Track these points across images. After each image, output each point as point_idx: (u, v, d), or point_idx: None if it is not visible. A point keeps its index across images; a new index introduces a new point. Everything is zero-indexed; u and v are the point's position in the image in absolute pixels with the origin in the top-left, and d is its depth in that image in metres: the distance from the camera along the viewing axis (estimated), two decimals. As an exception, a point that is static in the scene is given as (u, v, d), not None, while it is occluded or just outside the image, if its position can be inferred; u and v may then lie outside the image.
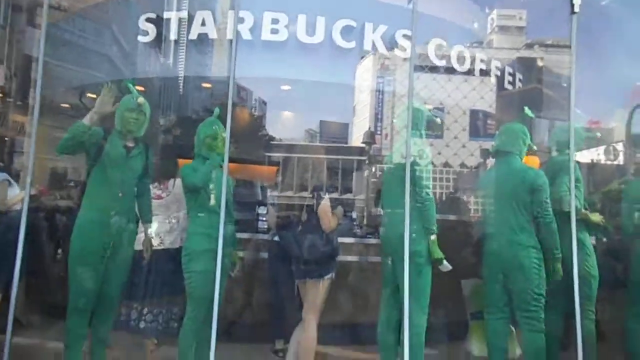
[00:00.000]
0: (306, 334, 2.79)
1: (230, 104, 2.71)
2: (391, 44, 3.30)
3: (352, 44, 3.21)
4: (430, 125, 3.42)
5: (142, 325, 3.42)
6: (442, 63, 3.55)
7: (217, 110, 3.05)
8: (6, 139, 5.86)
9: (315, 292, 2.81)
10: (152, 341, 3.49)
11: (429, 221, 2.76)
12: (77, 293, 2.73)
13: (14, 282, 2.45)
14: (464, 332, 3.14)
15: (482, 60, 3.82)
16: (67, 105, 5.53)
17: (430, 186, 2.89)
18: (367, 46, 3.25)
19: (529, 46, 10.83)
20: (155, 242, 3.45)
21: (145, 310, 3.44)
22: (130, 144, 2.97)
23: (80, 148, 2.77)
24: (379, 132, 11.92)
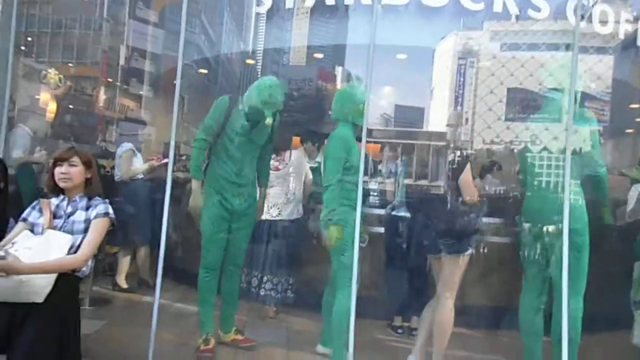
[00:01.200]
0: (442, 313, 2.60)
1: (370, 67, 2.55)
2: (523, 4, 3.06)
3: (481, 5, 3.01)
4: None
5: (262, 293, 3.47)
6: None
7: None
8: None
9: (453, 269, 2.60)
10: (272, 309, 3.55)
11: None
12: (208, 255, 2.78)
13: (161, 245, 2.51)
14: (626, 321, 2.84)
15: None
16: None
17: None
18: (497, 8, 3.03)
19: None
20: (273, 213, 3.49)
21: (265, 279, 3.49)
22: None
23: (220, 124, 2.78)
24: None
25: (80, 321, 2.08)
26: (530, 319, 2.62)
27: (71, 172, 2.08)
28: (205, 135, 2.78)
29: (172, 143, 2.68)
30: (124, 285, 3.81)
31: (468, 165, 2.69)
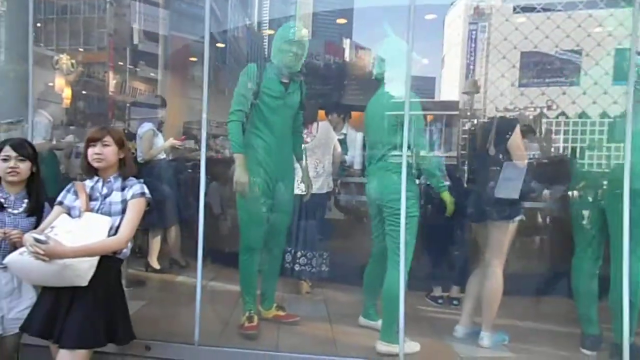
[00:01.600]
0: (491, 281, 2.50)
1: (411, 25, 2.37)
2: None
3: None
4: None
5: (296, 268, 3.41)
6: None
7: None
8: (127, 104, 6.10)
9: (502, 236, 2.49)
10: (307, 283, 3.48)
11: None
12: (250, 235, 2.67)
13: (199, 225, 2.42)
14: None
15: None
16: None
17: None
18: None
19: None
20: (303, 188, 3.39)
21: (299, 254, 3.42)
22: (286, 80, 2.69)
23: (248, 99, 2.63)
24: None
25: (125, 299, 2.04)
26: (585, 285, 2.53)
27: (105, 152, 1.99)
28: (239, 105, 2.63)
29: (204, 121, 2.53)
30: (157, 266, 3.75)
31: (517, 127, 2.54)
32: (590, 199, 2.50)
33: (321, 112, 3.88)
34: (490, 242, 2.56)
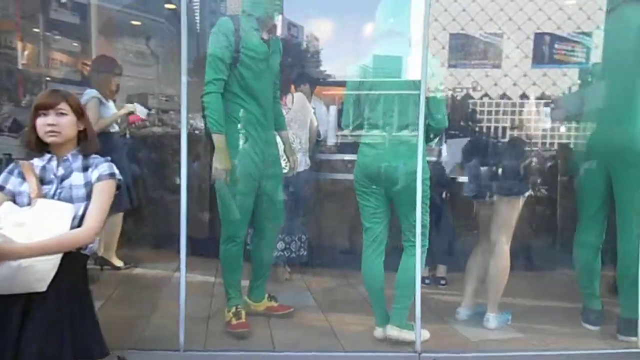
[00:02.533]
0: (499, 260, 2.35)
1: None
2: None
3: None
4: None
5: (274, 253, 3.10)
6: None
7: None
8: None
9: (511, 212, 2.36)
10: (286, 270, 3.19)
11: None
12: (235, 222, 2.29)
13: (182, 214, 2.03)
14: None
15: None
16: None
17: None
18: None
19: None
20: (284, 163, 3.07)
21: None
22: (266, 37, 2.28)
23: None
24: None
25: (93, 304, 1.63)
26: (589, 259, 2.45)
27: (61, 124, 1.56)
28: (217, 73, 2.16)
29: (184, 86, 2.09)
30: (118, 264, 3.20)
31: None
32: (595, 170, 2.40)
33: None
34: (497, 220, 2.41)
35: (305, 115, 3.21)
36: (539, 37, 4.91)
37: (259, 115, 2.29)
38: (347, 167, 3.38)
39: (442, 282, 3.15)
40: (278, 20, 2.38)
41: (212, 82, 2.17)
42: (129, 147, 3.31)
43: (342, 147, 3.63)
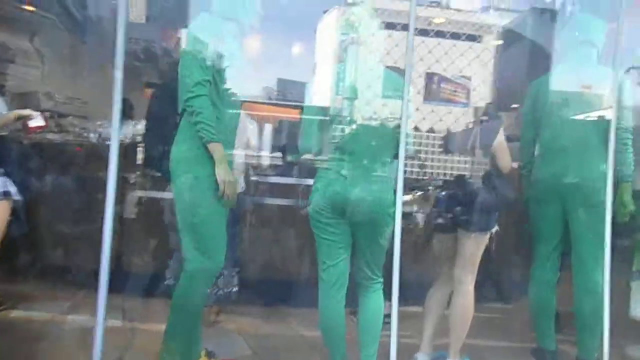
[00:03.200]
0: (464, 300, 2.17)
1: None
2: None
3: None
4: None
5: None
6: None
7: None
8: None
9: (476, 249, 2.19)
10: (213, 311, 2.69)
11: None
12: (215, 253, 1.90)
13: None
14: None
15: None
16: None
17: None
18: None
19: (485, 9, 10.73)
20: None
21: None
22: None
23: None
24: (340, 93, 11.23)
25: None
26: (545, 297, 2.37)
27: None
28: (203, 74, 1.79)
29: (118, 83, 1.61)
30: None
31: (501, 129, 2.25)
32: (551, 208, 2.34)
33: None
34: (462, 256, 2.21)
35: (242, 132, 2.83)
36: (429, 76, 5.32)
37: (226, 123, 1.92)
38: (284, 191, 3.07)
39: (387, 319, 2.88)
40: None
41: (200, 84, 1.78)
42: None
43: (279, 169, 3.31)
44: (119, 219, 1.67)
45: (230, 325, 2.65)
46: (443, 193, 2.31)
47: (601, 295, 2.17)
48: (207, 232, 1.84)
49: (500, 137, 2.24)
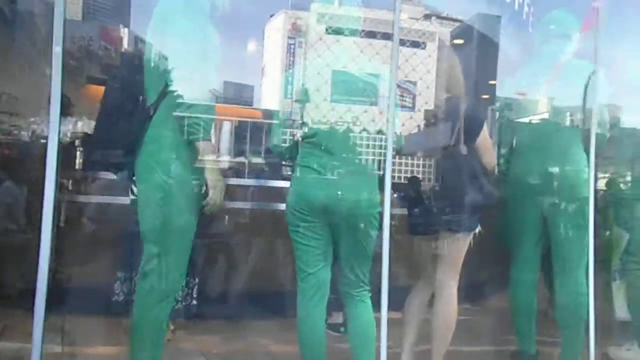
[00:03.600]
0: (448, 304, 2.07)
1: None
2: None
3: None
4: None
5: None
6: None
7: None
8: None
9: (460, 251, 2.10)
10: (169, 326, 2.48)
11: None
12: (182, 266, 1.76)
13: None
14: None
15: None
16: None
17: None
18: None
19: (427, 17, 11.24)
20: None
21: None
22: None
23: None
24: (289, 96, 11.14)
25: None
26: (526, 298, 2.35)
27: None
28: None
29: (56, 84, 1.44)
30: None
31: (485, 125, 2.21)
32: (530, 208, 2.35)
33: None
34: (446, 259, 2.13)
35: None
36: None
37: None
38: (248, 194, 2.93)
39: (341, 329, 2.69)
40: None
41: None
42: None
43: (241, 172, 3.18)
44: (56, 227, 1.48)
45: (188, 344, 2.43)
46: (423, 193, 2.22)
47: (585, 295, 2.18)
48: (178, 242, 1.69)
49: (485, 133, 2.20)
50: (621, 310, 2.65)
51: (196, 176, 1.68)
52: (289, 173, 3.05)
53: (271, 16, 10.45)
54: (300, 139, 1.96)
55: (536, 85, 2.44)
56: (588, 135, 2.23)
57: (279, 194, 2.72)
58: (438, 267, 2.16)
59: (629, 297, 2.62)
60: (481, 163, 2.18)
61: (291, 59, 11.02)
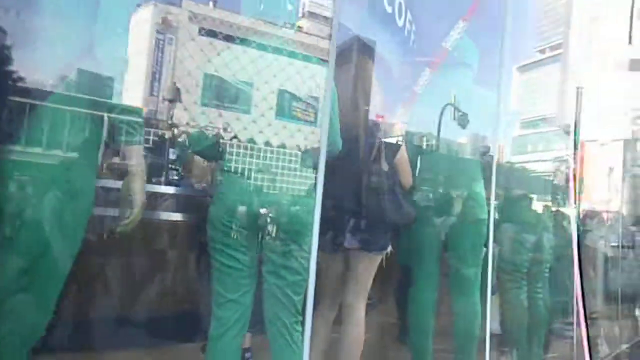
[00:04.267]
0: (356, 329, 1.99)
1: None
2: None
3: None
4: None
5: None
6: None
7: None
8: None
9: (371, 271, 2.04)
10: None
11: None
12: None
13: None
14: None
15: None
16: None
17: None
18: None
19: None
20: None
21: None
22: None
23: None
24: (155, 94, 10.60)
25: None
26: (426, 317, 2.40)
27: None
28: None
29: None
30: None
31: (404, 145, 2.23)
32: (432, 229, 2.42)
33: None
34: (355, 279, 2.07)
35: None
36: (281, 93, 5.41)
37: None
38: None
39: (247, 354, 2.44)
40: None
41: None
42: None
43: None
44: None
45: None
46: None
47: (480, 313, 2.31)
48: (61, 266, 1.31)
49: (403, 152, 2.20)
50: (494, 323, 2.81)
51: None
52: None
53: (138, 5, 9.65)
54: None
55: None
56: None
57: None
58: (346, 287, 2.08)
59: (506, 313, 2.84)
60: (400, 181, 2.18)
61: (160, 55, 10.28)
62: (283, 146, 3.67)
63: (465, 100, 2.68)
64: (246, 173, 1.68)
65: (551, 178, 3.64)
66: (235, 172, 1.69)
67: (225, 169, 1.72)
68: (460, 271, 2.43)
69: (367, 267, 2.07)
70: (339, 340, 2.04)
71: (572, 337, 3.36)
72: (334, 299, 2.12)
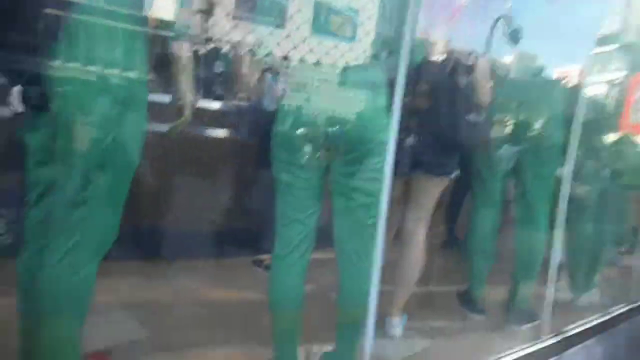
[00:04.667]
0: (416, 252, 1.88)
1: None
2: None
3: None
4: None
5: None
6: None
7: None
8: None
9: (434, 196, 1.89)
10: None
11: None
12: None
13: None
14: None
15: None
16: None
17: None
18: None
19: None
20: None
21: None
22: None
23: None
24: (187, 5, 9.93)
25: None
26: (489, 238, 2.27)
27: None
28: None
29: None
30: None
31: (485, 58, 2.01)
32: (504, 152, 2.23)
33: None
34: (419, 203, 1.93)
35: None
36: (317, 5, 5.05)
37: None
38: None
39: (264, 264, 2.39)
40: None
41: None
42: None
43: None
44: None
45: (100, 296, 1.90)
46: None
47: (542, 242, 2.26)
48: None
49: (484, 65, 1.98)
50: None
51: None
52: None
53: None
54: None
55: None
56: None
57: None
58: (408, 213, 1.96)
59: (569, 242, 2.68)
60: (476, 99, 1.97)
61: (192, -38, 9.64)
62: (318, 63, 3.46)
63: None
64: (313, 90, 1.49)
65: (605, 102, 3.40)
66: (300, 89, 1.53)
67: (290, 85, 1.57)
68: (527, 196, 2.28)
69: (433, 191, 1.95)
70: (397, 261, 1.97)
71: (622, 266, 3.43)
72: (392, 219, 1.91)
